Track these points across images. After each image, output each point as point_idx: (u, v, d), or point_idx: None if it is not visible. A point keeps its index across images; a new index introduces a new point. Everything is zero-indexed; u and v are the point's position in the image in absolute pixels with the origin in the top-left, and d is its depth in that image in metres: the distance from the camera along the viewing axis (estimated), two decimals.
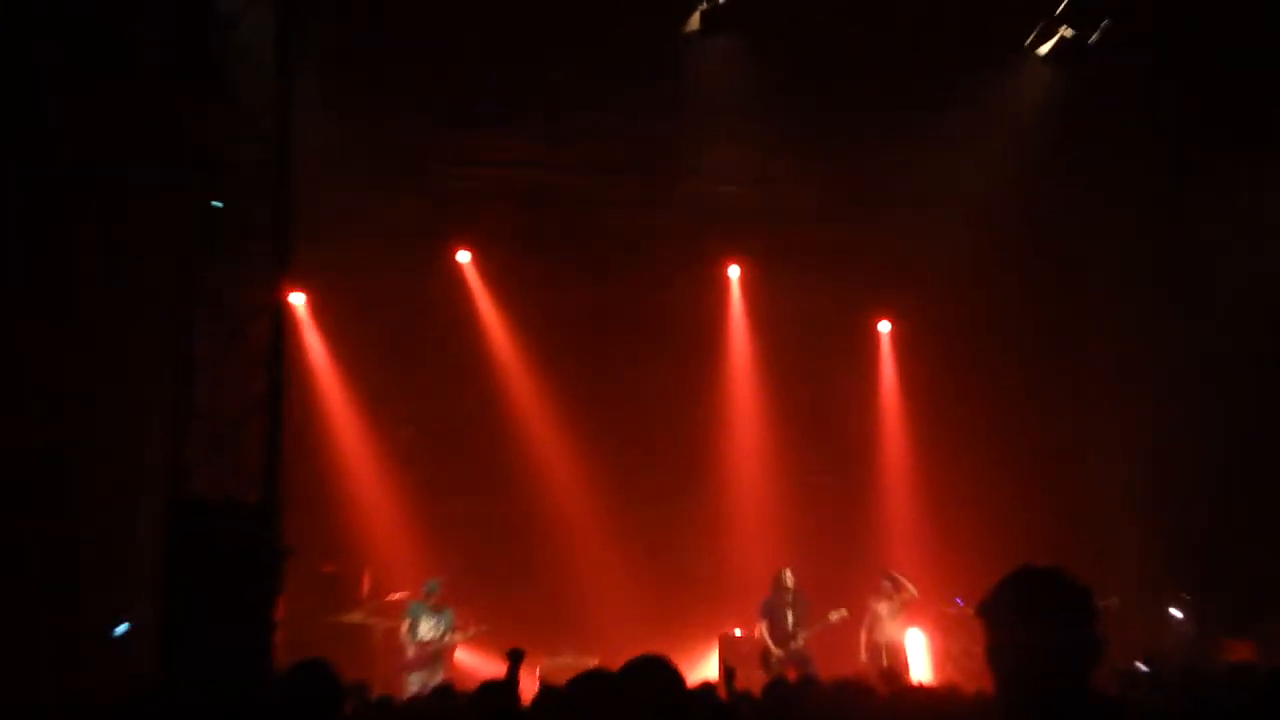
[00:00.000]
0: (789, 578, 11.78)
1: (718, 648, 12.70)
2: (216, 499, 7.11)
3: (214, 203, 7.70)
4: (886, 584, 12.03)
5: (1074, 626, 2.19)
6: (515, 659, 6.00)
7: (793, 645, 11.53)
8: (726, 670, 6.99)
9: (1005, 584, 2.30)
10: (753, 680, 9.62)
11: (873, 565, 12.88)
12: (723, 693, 6.48)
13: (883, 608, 12.01)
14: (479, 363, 13.73)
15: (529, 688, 5.84)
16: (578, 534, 13.71)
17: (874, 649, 11.89)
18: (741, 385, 14.66)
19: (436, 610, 11.24)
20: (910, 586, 11.89)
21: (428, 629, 11.16)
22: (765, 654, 11.60)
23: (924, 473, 14.42)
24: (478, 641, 11.79)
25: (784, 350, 14.38)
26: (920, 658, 12.33)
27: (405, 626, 11.22)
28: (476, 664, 11.89)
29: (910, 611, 12.03)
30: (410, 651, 11.09)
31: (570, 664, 11.74)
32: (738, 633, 12.94)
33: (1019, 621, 2.19)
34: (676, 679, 2.98)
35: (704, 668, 12.79)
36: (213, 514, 7.04)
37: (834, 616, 11.59)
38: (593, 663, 11.60)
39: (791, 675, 10.49)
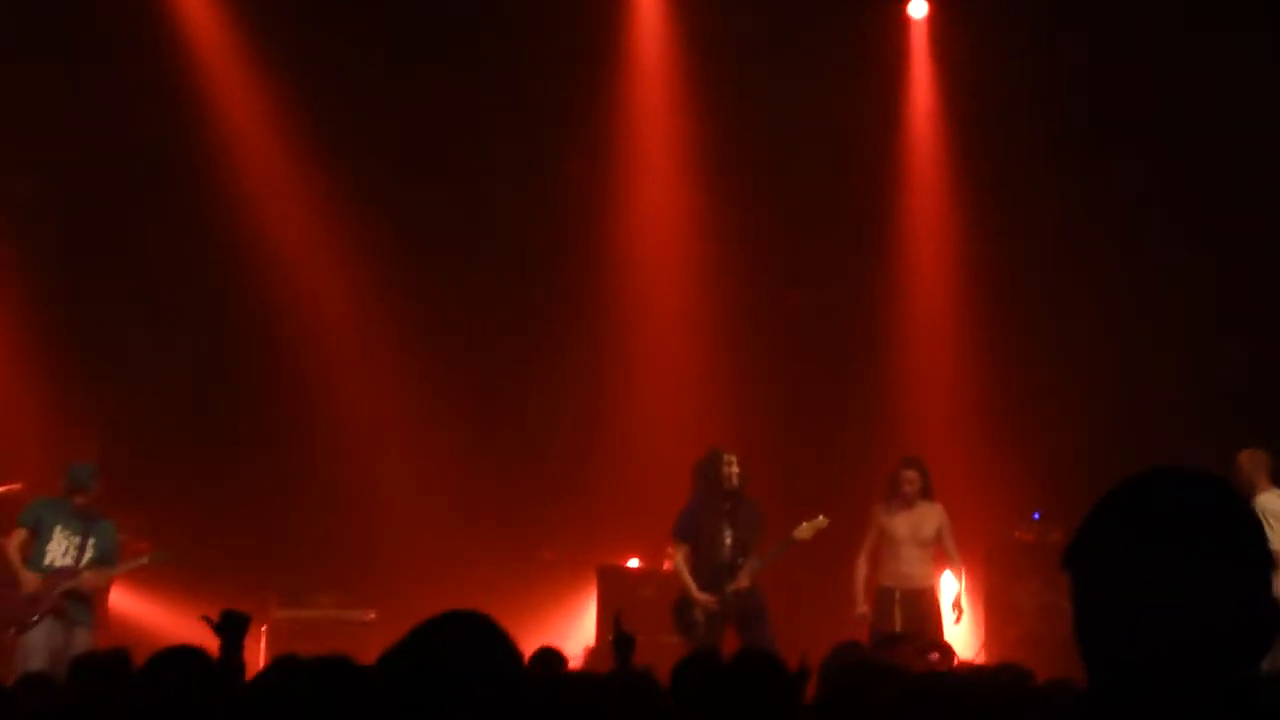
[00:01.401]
0: (730, 467, 11.81)
1: (596, 590, 13.31)
2: None
3: None
4: (910, 477, 12.16)
5: (1235, 578, 2.19)
6: (233, 629, 5.99)
7: (732, 587, 11.61)
8: (617, 632, 7.06)
9: (1111, 503, 2.28)
10: (659, 650, 9.61)
11: (882, 450, 13.18)
12: (608, 663, 6.56)
13: (900, 523, 12.14)
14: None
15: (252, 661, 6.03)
16: (357, 397, 14.53)
17: (883, 596, 12.05)
18: (649, 120, 15.06)
19: (83, 519, 11.15)
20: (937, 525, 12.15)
21: (61, 548, 11.07)
22: (682, 604, 11.67)
23: (981, 293, 14.88)
24: (149, 577, 12.27)
25: (732, 53, 14.65)
26: (962, 617, 12.42)
27: (17, 540, 11.09)
28: (148, 615, 12.34)
29: (947, 536, 12.20)
30: (28, 585, 10.96)
31: (324, 617, 12.51)
32: (634, 564, 13.70)
33: (1136, 569, 2.20)
34: (503, 653, 3.04)
35: (573, 627, 13.52)
36: None
37: (804, 531, 11.71)
38: (366, 617, 12.76)
39: (729, 643, 10.87)
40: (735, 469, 11.77)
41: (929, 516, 12.08)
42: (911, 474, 12.07)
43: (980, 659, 12.43)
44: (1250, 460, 11.06)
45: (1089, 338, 14.47)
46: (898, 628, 11.40)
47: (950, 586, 12.39)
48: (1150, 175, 14.41)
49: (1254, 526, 2.25)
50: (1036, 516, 13.72)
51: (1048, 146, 14.59)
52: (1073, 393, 14.25)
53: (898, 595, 11.91)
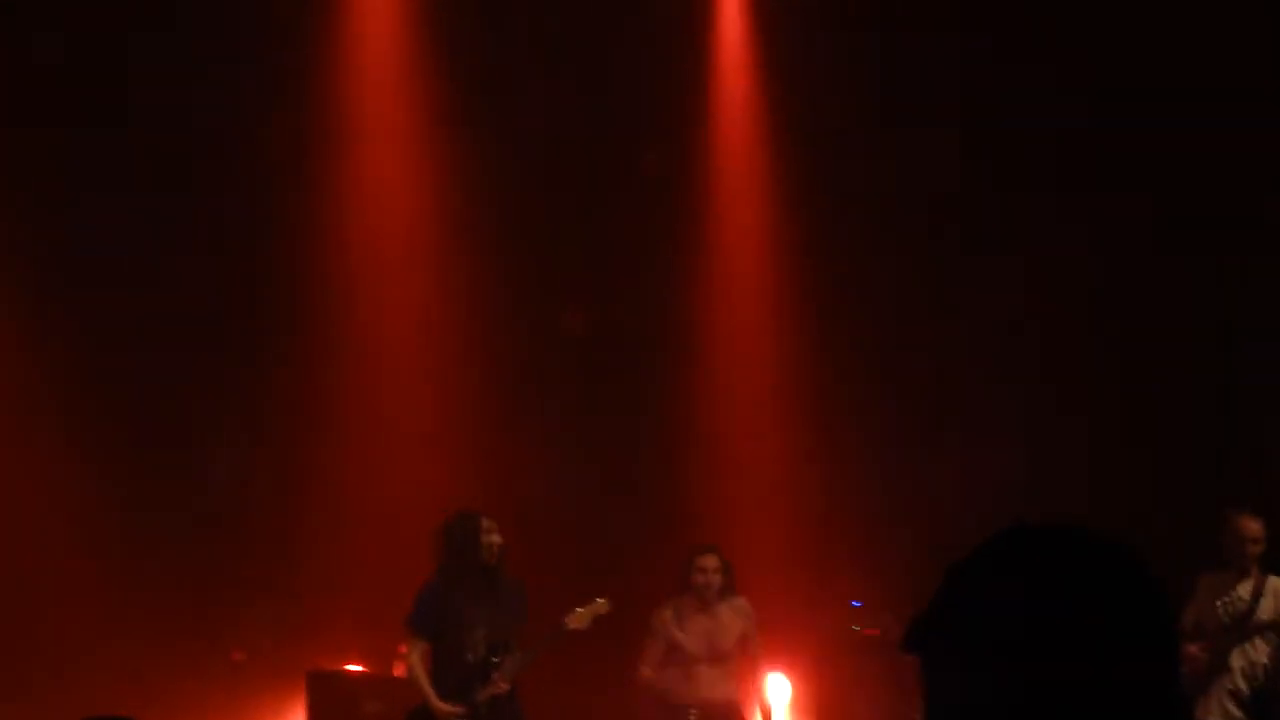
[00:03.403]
0: (489, 535, 11.89)
1: (305, 704, 13.53)
2: None
3: None
4: (709, 564, 12.43)
5: (1133, 664, 2.29)
6: None
7: (484, 693, 11.71)
8: None
9: (971, 567, 2.39)
10: None
11: (682, 512, 14.12)
12: None
13: (694, 634, 12.44)
14: None
15: None
16: None
17: (671, 709, 12.34)
18: (373, 69, 15.57)
19: None
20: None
21: None
22: (419, 717, 11.73)
23: (807, 312, 15.69)
24: None
25: None
26: None
27: None
28: None
29: (753, 640, 12.56)
30: None
31: None
32: (354, 669, 14.12)
33: (1005, 651, 2.28)
34: None
35: None
36: None
37: (578, 619, 11.87)
38: None
39: None
40: (495, 538, 11.78)
41: (731, 622, 12.35)
42: (710, 560, 12.35)
43: None
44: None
45: (937, 366, 15.19)
46: None
47: (775, 694, 12.89)
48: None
49: (1156, 596, 2.29)
50: (857, 605, 14.12)
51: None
52: (928, 445, 14.76)
53: (697, 707, 12.21)
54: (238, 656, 14.42)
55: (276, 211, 15.03)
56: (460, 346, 15.24)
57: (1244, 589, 11.48)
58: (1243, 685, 11.45)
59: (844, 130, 15.29)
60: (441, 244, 15.46)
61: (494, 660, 11.57)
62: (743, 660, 12.42)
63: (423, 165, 15.61)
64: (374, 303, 15.39)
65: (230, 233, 14.93)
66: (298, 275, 15.25)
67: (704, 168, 16.01)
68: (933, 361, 15.42)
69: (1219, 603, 11.57)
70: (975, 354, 15.31)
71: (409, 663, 11.78)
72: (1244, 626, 11.46)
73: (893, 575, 13.70)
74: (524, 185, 15.40)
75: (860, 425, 15.25)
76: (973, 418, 15.12)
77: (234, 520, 14.85)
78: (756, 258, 15.99)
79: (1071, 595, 2.27)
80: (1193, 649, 11.35)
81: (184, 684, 13.40)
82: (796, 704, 13.45)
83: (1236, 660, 11.55)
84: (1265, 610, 11.49)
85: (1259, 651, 11.53)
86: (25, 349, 14.64)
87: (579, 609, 11.77)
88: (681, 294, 15.80)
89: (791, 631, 13.35)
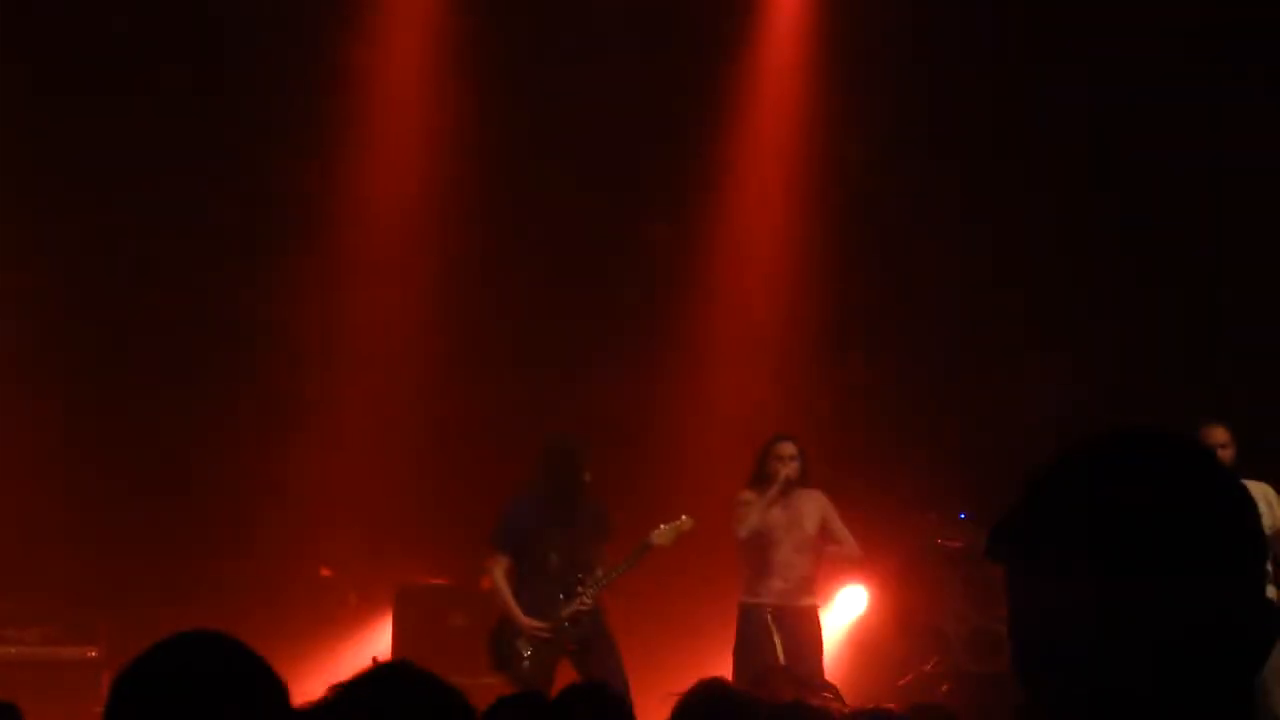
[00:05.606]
0: (570, 451, 11.98)
1: (391, 617, 13.59)
2: None
3: None
4: (784, 451, 12.13)
5: (1226, 572, 2.21)
6: None
7: (569, 610, 11.71)
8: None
9: (1061, 471, 2.30)
10: (476, 695, 9.41)
11: (761, 430, 13.03)
12: None
13: (774, 515, 12.06)
14: None
15: None
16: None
17: (753, 617, 12.00)
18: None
19: None
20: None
21: None
22: (501, 632, 11.77)
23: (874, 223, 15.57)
24: None
25: None
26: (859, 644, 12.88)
27: None
28: None
29: (836, 523, 12.26)
30: None
31: (29, 657, 12.66)
32: (440, 583, 13.95)
33: (1095, 559, 2.21)
34: (252, 677, 3.12)
35: (360, 664, 13.20)
36: None
37: (662, 536, 11.84)
38: (86, 655, 12.88)
39: (566, 680, 10.63)
40: (580, 454, 11.90)
41: (809, 509, 12.07)
42: (787, 447, 12.04)
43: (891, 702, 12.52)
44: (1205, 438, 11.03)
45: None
46: (782, 659, 11.33)
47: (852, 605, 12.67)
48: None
49: (1248, 505, 2.23)
50: (964, 516, 13.98)
51: None
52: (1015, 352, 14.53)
53: (772, 617, 11.88)
54: (326, 572, 14.46)
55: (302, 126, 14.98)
56: (551, 259, 15.12)
57: None
58: None
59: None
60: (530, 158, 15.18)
61: (577, 577, 11.65)
62: (823, 552, 12.10)
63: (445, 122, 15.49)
64: (455, 214, 15.20)
65: (245, 149, 14.81)
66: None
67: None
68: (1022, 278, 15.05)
69: None
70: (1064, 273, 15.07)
71: (492, 578, 11.86)
72: None
73: (978, 488, 13.46)
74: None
75: (950, 341, 14.99)
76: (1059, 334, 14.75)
77: (323, 436, 14.76)
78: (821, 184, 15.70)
79: (1156, 502, 2.22)
80: None
81: (273, 599, 13.44)
82: (878, 615, 13.37)
83: None
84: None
85: None
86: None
87: (663, 526, 11.77)
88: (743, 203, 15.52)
89: (874, 543, 12.87)
